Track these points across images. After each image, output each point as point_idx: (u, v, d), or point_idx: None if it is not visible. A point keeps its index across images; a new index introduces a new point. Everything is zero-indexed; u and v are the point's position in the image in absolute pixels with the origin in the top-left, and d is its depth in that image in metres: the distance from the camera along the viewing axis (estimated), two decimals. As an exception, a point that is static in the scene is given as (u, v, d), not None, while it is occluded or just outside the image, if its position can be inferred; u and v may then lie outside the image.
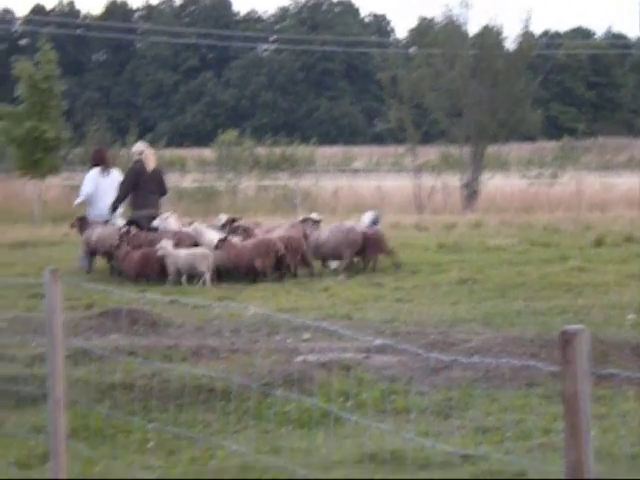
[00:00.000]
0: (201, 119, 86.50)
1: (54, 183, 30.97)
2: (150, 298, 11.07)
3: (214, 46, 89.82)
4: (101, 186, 16.99)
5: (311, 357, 8.73)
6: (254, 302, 12.51)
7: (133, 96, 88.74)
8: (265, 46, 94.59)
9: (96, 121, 43.87)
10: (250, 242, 15.10)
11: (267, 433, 6.88)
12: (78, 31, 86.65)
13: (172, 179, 33.61)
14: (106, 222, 16.54)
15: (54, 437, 5.43)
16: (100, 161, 17.29)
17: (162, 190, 16.40)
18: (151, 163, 16.25)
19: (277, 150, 39.17)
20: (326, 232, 15.80)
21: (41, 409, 7.30)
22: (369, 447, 6.17)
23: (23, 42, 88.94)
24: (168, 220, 15.90)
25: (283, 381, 7.76)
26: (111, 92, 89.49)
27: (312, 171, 38.87)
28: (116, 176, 17.10)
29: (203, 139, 59.54)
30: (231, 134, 37.49)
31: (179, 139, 61.68)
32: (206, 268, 14.48)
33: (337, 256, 15.72)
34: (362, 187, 33.75)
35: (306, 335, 9.98)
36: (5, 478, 6.02)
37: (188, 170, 42.38)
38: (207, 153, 42.85)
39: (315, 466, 5.97)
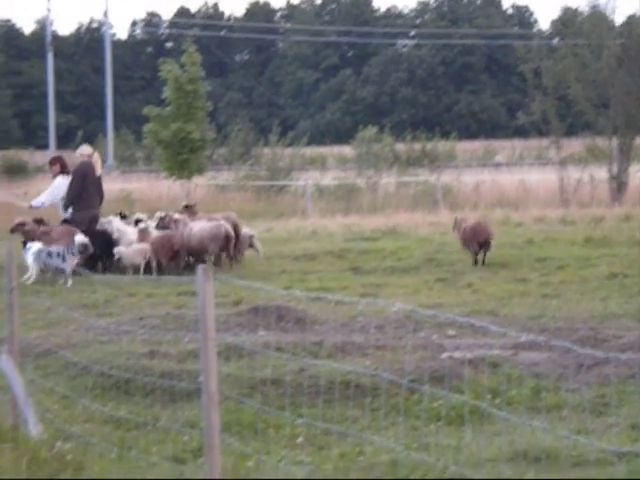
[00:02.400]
0: (341, 116, 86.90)
1: (200, 182, 31.61)
2: (296, 295, 11.17)
3: (354, 43, 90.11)
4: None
5: (457, 354, 8.67)
6: (397, 298, 12.49)
7: (274, 95, 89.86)
8: (405, 41, 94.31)
9: (239, 121, 44.64)
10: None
11: (415, 430, 6.86)
12: (222, 32, 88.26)
13: (313, 176, 33.95)
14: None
15: (208, 432, 5.53)
16: (62, 168, 17.13)
17: (101, 194, 16.86)
18: (99, 168, 16.83)
19: (417, 146, 39.00)
20: (195, 227, 16.25)
21: (194, 404, 7.48)
22: (520, 444, 6.08)
23: (169, 45, 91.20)
24: (112, 222, 16.50)
25: (430, 377, 7.72)
26: (253, 92, 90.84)
27: (453, 166, 38.55)
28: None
29: (343, 136, 59.78)
30: (371, 131, 37.51)
31: (319, 137, 62.10)
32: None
33: (203, 251, 16.06)
34: (505, 181, 33.26)
35: (451, 331, 9.91)
36: (161, 472, 6.17)
37: (328, 167, 42.64)
38: (347, 150, 43.01)
39: (465, 463, 5.92)
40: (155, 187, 32.42)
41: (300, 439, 6.81)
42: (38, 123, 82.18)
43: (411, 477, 5.89)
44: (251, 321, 10.68)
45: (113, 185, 33.52)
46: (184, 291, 13.51)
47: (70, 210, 16.64)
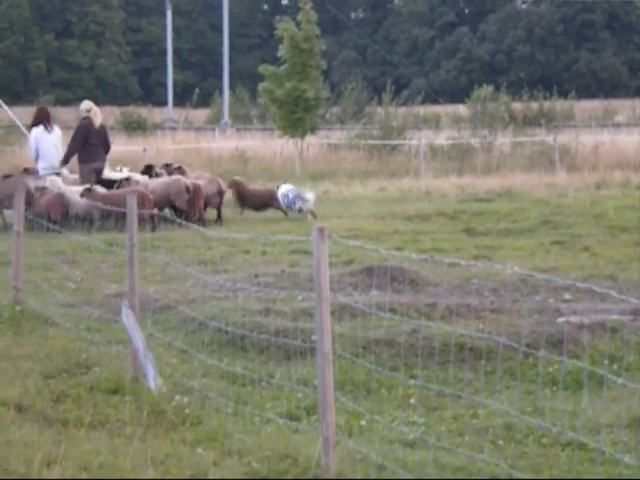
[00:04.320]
0: (456, 75, 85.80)
1: (313, 141, 31.68)
2: (407, 255, 11.13)
3: (471, 0, 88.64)
4: (47, 142, 17.59)
5: (574, 318, 8.53)
6: (511, 261, 12.33)
7: (389, 53, 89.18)
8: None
9: (352, 80, 44.49)
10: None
11: (530, 394, 6.80)
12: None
13: (426, 136, 33.66)
14: (57, 174, 17.26)
15: (322, 390, 5.59)
16: (44, 119, 17.81)
17: (106, 145, 17.73)
18: (98, 120, 17.61)
19: (534, 105, 38.25)
20: (157, 182, 17.18)
21: (308, 362, 7.55)
22: (638, 411, 5.97)
23: (285, 2, 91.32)
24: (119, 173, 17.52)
25: (546, 342, 7.62)
26: (367, 50, 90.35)
27: (571, 126, 37.71)
28: (58, 132, 17.91)
29: (457, 95, 59.04)
30: (486, 89, 36.91)
31: (434, 95, 61.46)
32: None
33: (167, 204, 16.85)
34: (625, 142, 32.42)
35: (567, 296, 9.76)
36: (275, 428, 6.26)
37: (442, 127, 42.18)
38: (461, 109, 42.46)
39: (582, 429, 5.85)
40: (269, 145, 32.60)
41: (413, 400, 6.82)
42: (156, 80, 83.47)
43: (525, 441, 5.86)
44: (364, 281, 10.69)
45: (227, 143, 33.89)
46: (297, 249, 13.61)
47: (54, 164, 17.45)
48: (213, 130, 42.60)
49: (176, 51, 62.99)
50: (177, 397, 6.70)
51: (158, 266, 11.62)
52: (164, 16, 58.26)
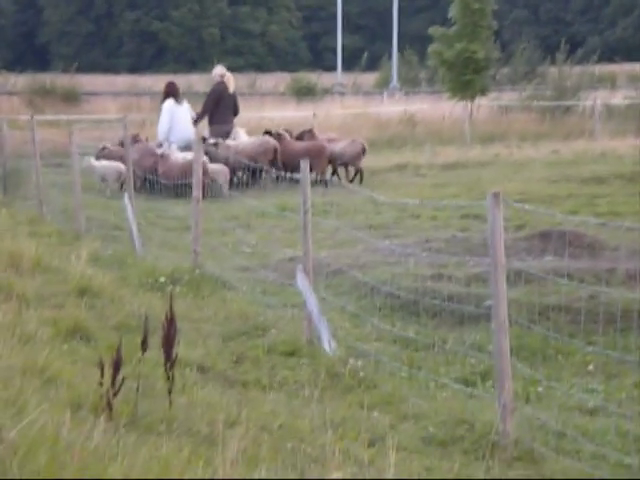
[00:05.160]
0: (633, 32, 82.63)
1: (483, 103, 31.23)
2: (581, 220, 10.87)
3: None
4: (179, 114, 18.26)
5: None
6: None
7: (562, 11, 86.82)
8: None
9: (524, 39, 43.55)
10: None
11: None
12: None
13: (602, 96, 32.64)
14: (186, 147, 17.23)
15: (498, 357, 5.55)
16: (173, 93, 18.48)
17: (236, 110, 18.60)
18: (231, 85, 18.37)
19: None
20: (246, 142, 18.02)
21: (481, 327, 7.51)
22: None
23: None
24: (239, 134, 18.36)
25: None
26: (539, 9, 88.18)
27: None
28: (187, 106, 18.59)
29: (635, 53, 57.09)
30: (666, 47, 35.42)
31: (609, 54, 59.54)
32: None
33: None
34: None
35: None
36: (450, 393, 6.26)
37: (619, 86, 40.82)
38: (638, 68, 40.97)
39: None
40: (438, 108, 32.32)
41: (591, 367, 6.70)
42: (325, 45, 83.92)
43: None
44: (537, 246, 10.51)
45: (396, 107, 33.80)
46: (467, 214, 13.49)
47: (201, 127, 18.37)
48: (381, 94, 42.55)
49: (345, 15, 62.95)
50: (351, 360, 6.78)
51: (329, 231, 11.75)
52: (333, -20, 58.40)
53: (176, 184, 14.69)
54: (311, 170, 17.31)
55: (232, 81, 18.53)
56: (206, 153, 16.33)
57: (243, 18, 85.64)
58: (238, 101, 18.88)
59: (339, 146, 18.89)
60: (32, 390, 5.09)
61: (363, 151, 18.90)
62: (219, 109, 18.23)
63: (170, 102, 18.33)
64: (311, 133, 19.22)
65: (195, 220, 10.13)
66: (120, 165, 16.71)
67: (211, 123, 18.36)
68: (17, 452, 4.03)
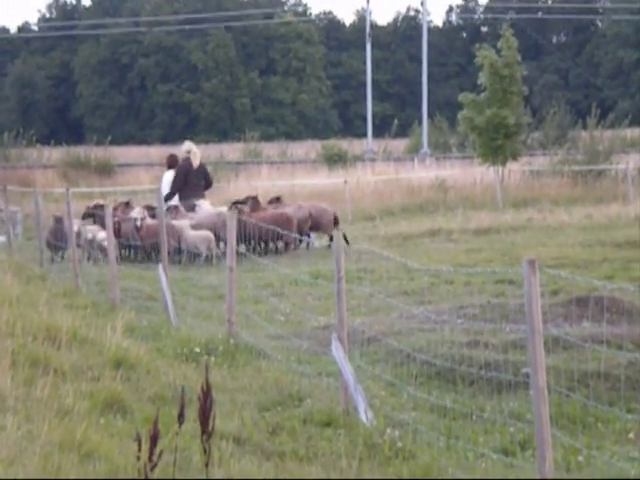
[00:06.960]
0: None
1: (514, 168, 31.27)
2: (617, 286, 10.79)
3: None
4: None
5: None
6: None
7: (592, 76, 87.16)
8: None
9: (554, 104, 43.66)
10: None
11: None
12: (538, 14, 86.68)
13: (634, 159, 32.50)
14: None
15: (538, 426, 5.49)
16: (174, 165, 19.40)
17: (207, 182, 19.46)
18: (197, 160, 19.10)
19: None
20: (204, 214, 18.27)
21: (519, 395, 7.43)
22: None
23: (484, 29, 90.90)
24: (201, 206, 18.64)
25: None
26: (570, 73, 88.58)
27: None
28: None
29: (666, 116, 56.94)
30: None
31: (640, 117, 59.52)
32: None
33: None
34: None
35: None
36: (490, 463, 6.17)
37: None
38: (672, 131, 40.86)
39: None
40: (469, 174, 32.42)
41: (631, 435, 6.60)
42: (355, 112, 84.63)
43: None
44: (571, 312, 10.43)
45: (427, 173, 33.90)
46: (502, 279, 13.42)
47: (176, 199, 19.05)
48: (412, 160, 42.72)
49: (375, 83, 63.61)
50: (389, 430, 6.71)
51: (363, 298, 11.72)
52: (363, 49, 59.01)
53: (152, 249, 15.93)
54: (280, 238, 18.19)
55: (198, 156, 19.30)
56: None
57: (274, 88, 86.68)
58: (208, 173, 19.81)
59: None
60: (70, 465, 5.08)
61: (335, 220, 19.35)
62: (187, 185, 19.03)
63: (171, 173, 19.38)
64: (279, 200, 19.97)
65: (229, 289, 10.14)
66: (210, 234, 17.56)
67: (180, 198, 19.08)
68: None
